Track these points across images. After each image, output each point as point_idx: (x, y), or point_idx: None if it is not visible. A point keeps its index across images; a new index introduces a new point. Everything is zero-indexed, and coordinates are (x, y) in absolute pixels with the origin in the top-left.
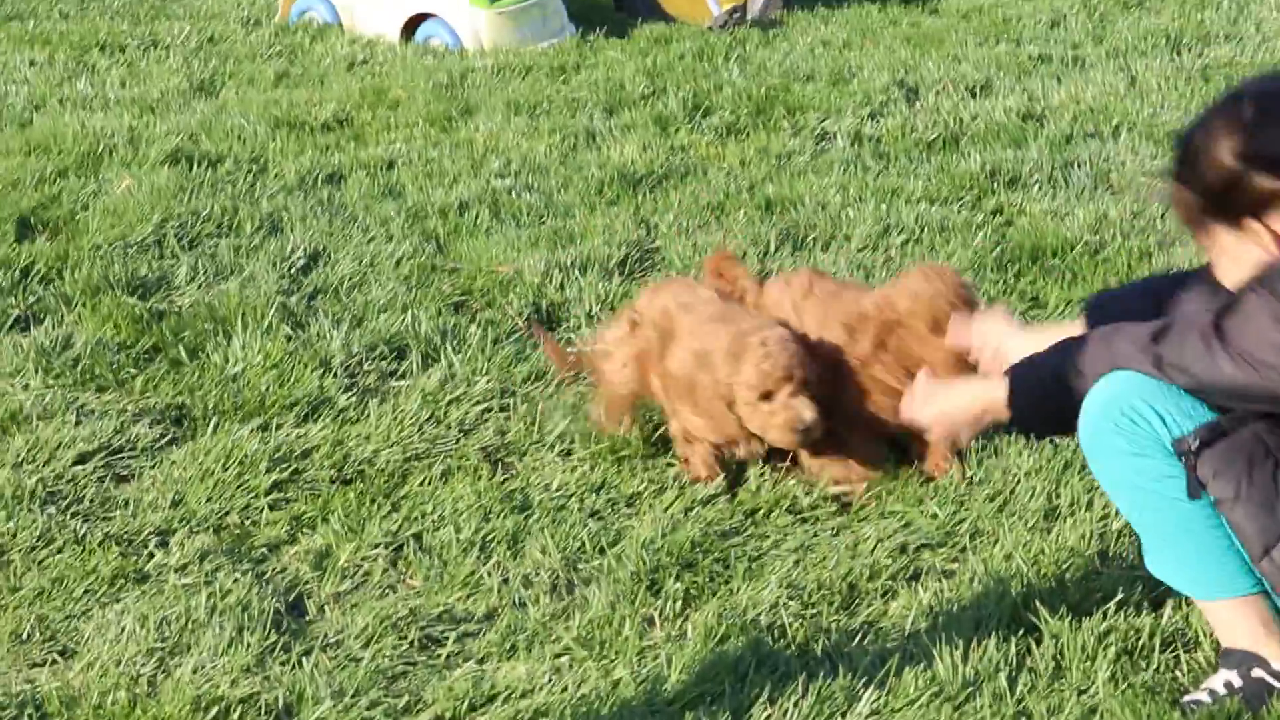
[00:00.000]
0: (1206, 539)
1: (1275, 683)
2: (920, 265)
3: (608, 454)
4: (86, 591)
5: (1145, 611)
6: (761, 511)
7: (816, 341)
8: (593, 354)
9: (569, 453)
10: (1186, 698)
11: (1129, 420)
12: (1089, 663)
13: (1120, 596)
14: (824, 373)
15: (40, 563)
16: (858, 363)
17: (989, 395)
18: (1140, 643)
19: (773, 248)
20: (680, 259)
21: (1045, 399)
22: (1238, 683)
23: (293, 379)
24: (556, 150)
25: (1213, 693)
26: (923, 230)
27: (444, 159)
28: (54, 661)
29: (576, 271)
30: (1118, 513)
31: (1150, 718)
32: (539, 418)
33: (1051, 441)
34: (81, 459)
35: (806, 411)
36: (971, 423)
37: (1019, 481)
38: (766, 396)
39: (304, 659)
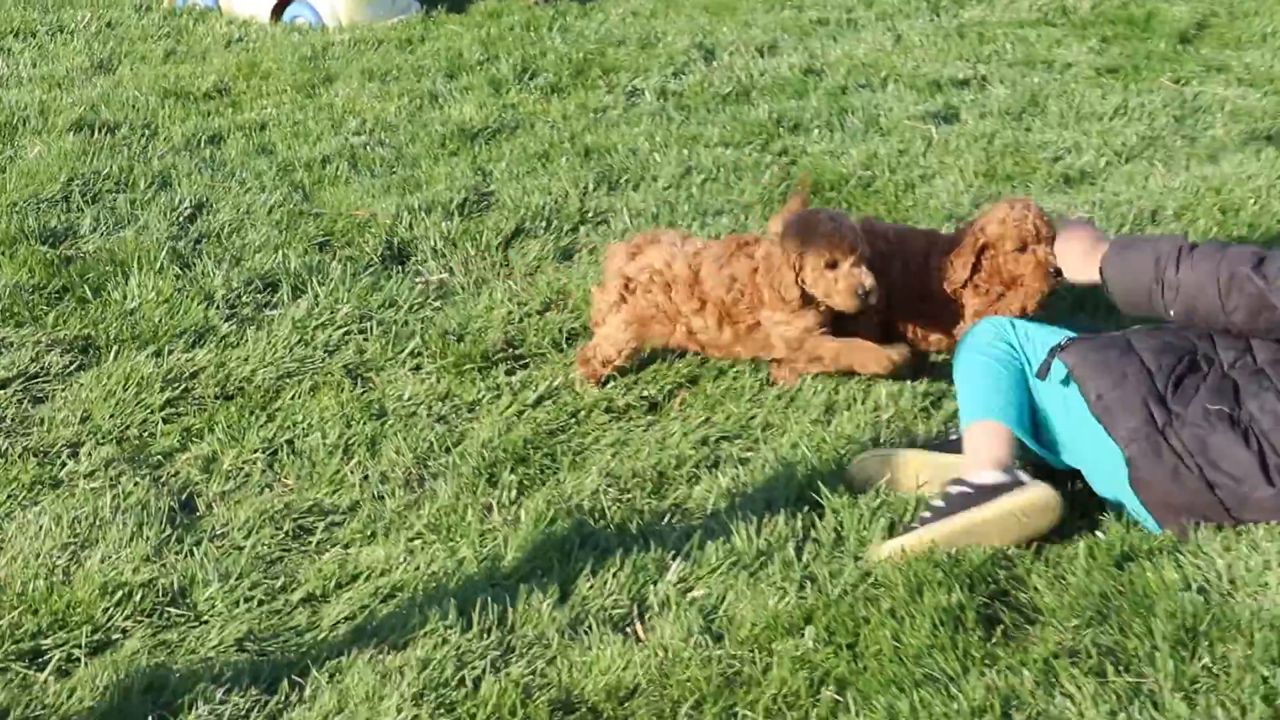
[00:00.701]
0: (1010, 378)
1: (968, 488)
2: (1005, 197)
3: (452, 368)
4: (9, 496)
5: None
6: (584, 412)
7: (908, 231)
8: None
9: (419, 367)
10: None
11: (1001, 326)
12: (864, 532)
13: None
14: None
15: None
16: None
17: (1097, 249)
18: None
19: (591, 188)
20: (511, 200)
21: (1138, 270)
22: (941, 502)
23: (181, 311)
24: (405, 110)
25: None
26: (719, 170)
27: (309, 120)
28: None
29: (423, 213)
30: (888, 405)
31: (915, 575)
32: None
33: None
34: (2, 384)
35: (867, 278)
36: (1075, 260)
37: (804, 382)
38: (832, 265)
39: (195, 549)
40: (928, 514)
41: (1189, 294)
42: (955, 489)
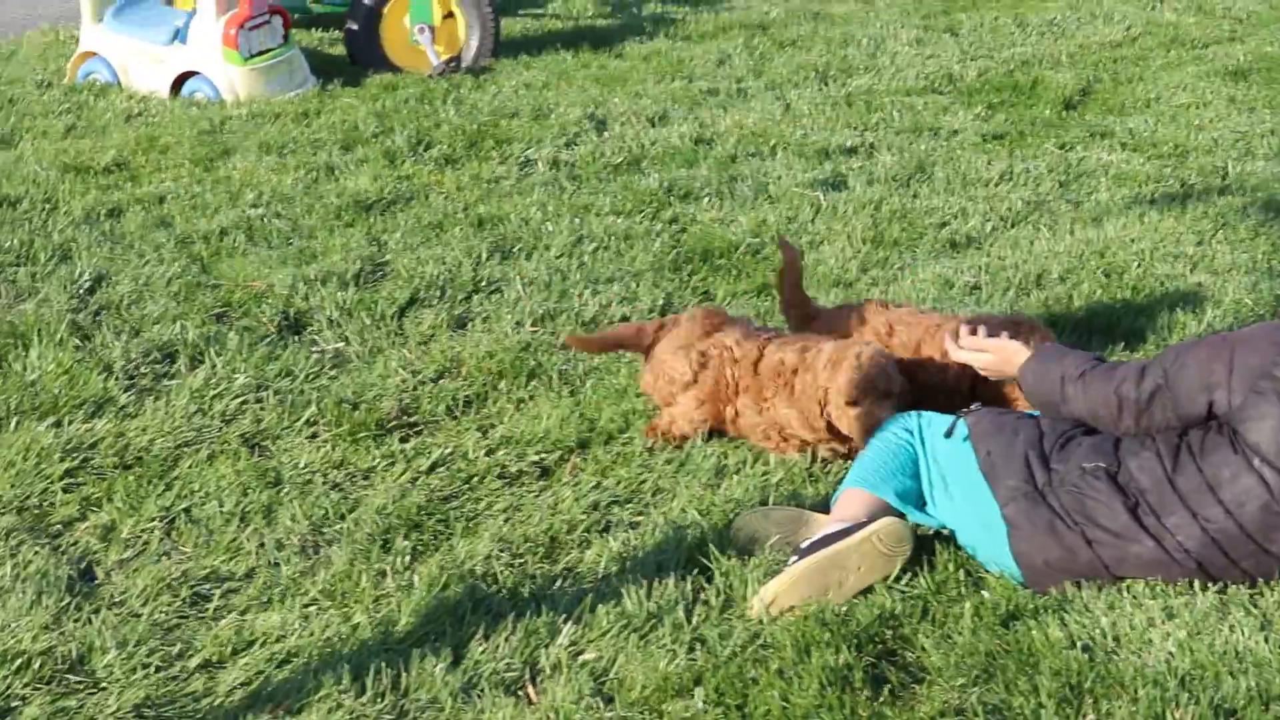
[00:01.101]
0: (898, 460)
1: (827, 531)
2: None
3: (347, 436)
4: None
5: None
6: (477, 478)
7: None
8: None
9: (315, 435)
10: None
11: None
12: (748, 591)
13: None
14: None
15: None
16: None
17: (1020, 353)
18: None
19: (484, 257)
20: (406, 270)
21: (1047, 383)
22: (804, 545)
23: (81, 382)
24: (301, 182)
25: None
26: (610, 239)
27: (206, 193)
28: None
29: (319, 284)
30: (777, 469)
31: (803, 636)
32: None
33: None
34: None
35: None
36: (998, 362)
37: (694, 447)
38: (854, 403)
39: (93, 616)
40: (794, 557)
41: (1087, 410)
42: (818, 536)
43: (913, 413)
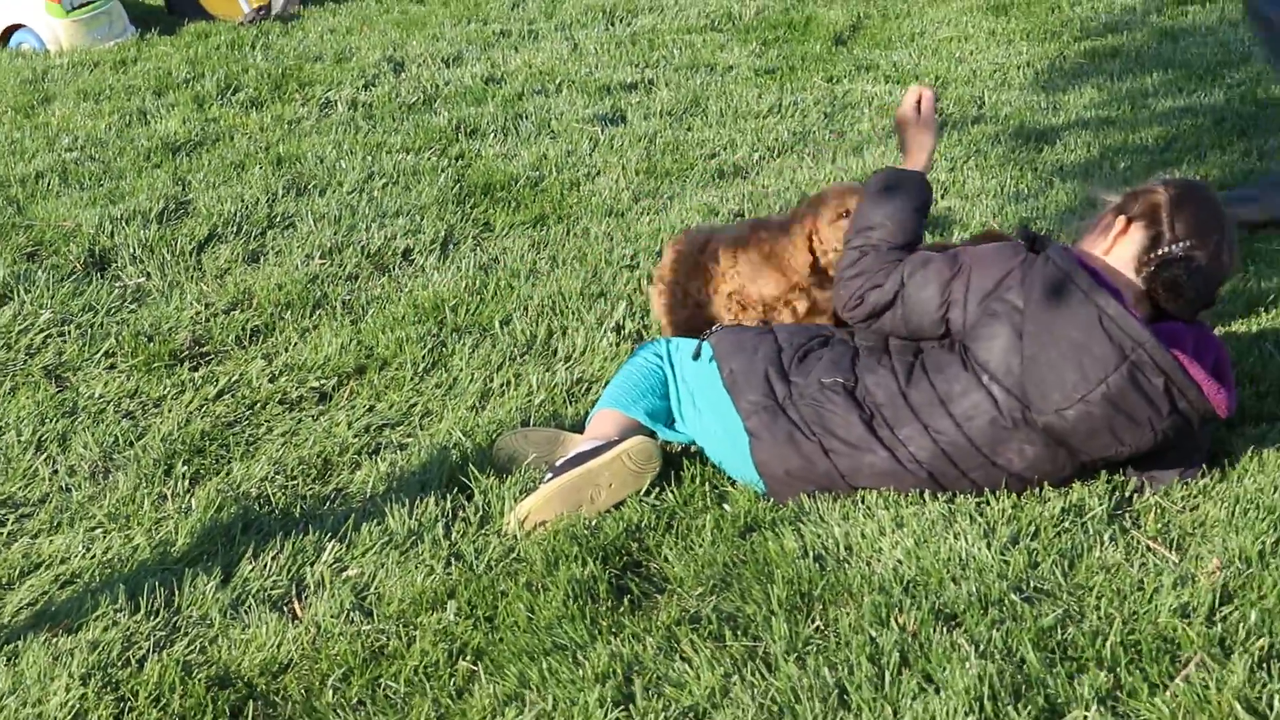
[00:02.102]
0: (648, 381)
1: (579, 451)
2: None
3: (142, 366)
4: None
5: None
6: (260, 404)
7: None
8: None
9: (114, 367)
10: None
11: (657, 343)
12: (505, 508)
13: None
14: None
15: None
16: None
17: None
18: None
19: (280, 194)
20: (206, 208)
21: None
22: (559, 463)
23: None
24: (114, 127)
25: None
26: (399, 175)
27: (25, 139)
28: None
29: (124, 222)
30: (539, 390)
31: (553, 550)
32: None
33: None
34: None
35: None
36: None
37: (461, 371)
38: (843, 214)
39: None
40: (549, 475)
41: (847, 263)
42: (570, 454)
43: (661, 339)
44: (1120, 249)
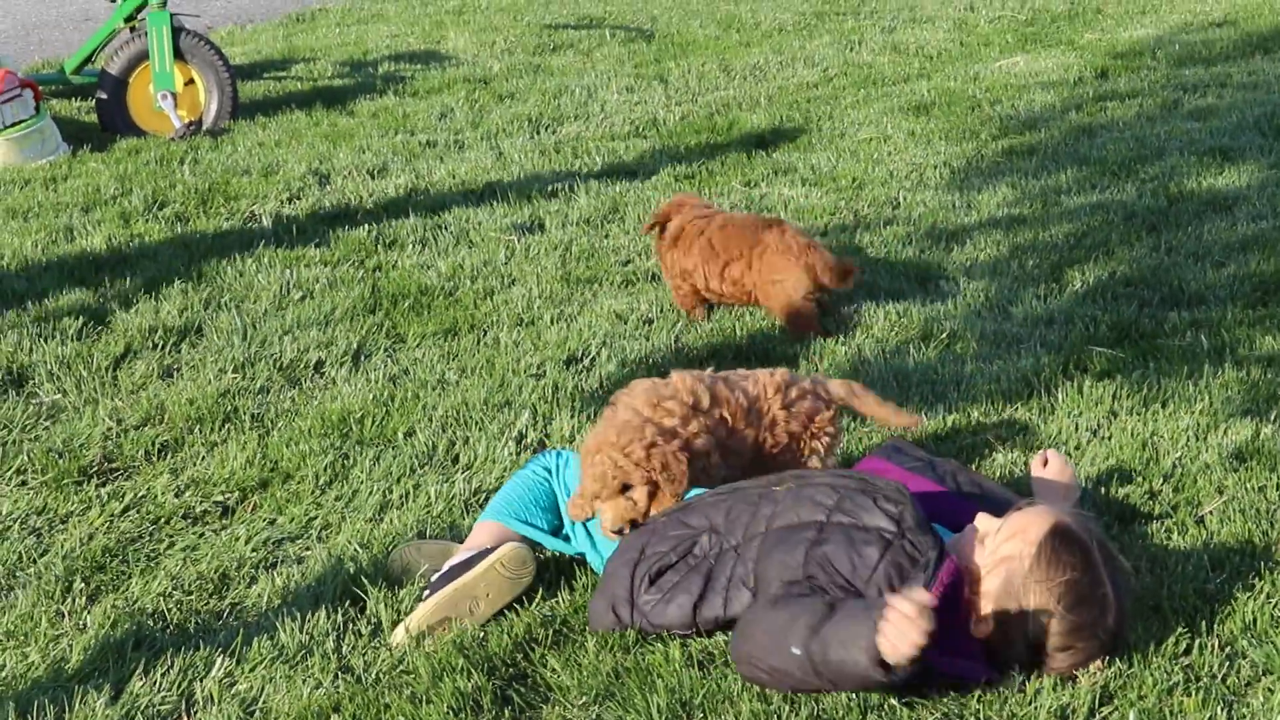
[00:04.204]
0: (532, 493)
1: (454, 563)
2: None
3: (52, 482)
4: None
5: None
6: (164, 519)
7: None
8: None
9: (24, 483)
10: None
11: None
12: (397, 619)
13: (427, 566)
14: None
15: None
16: None
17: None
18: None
19: (198, 308)
20: (123, 324)
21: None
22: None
23: None
24: (41, 244)
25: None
26: (316, 286)
27: None
28: None
29: (42, 340)
30: (437, 502)
31: (440, 663)
32: None
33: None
34: None
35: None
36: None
37: (362, 483)
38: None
39: None
40: (427, 592)
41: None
42: (446, 567)
43: (552, 451)
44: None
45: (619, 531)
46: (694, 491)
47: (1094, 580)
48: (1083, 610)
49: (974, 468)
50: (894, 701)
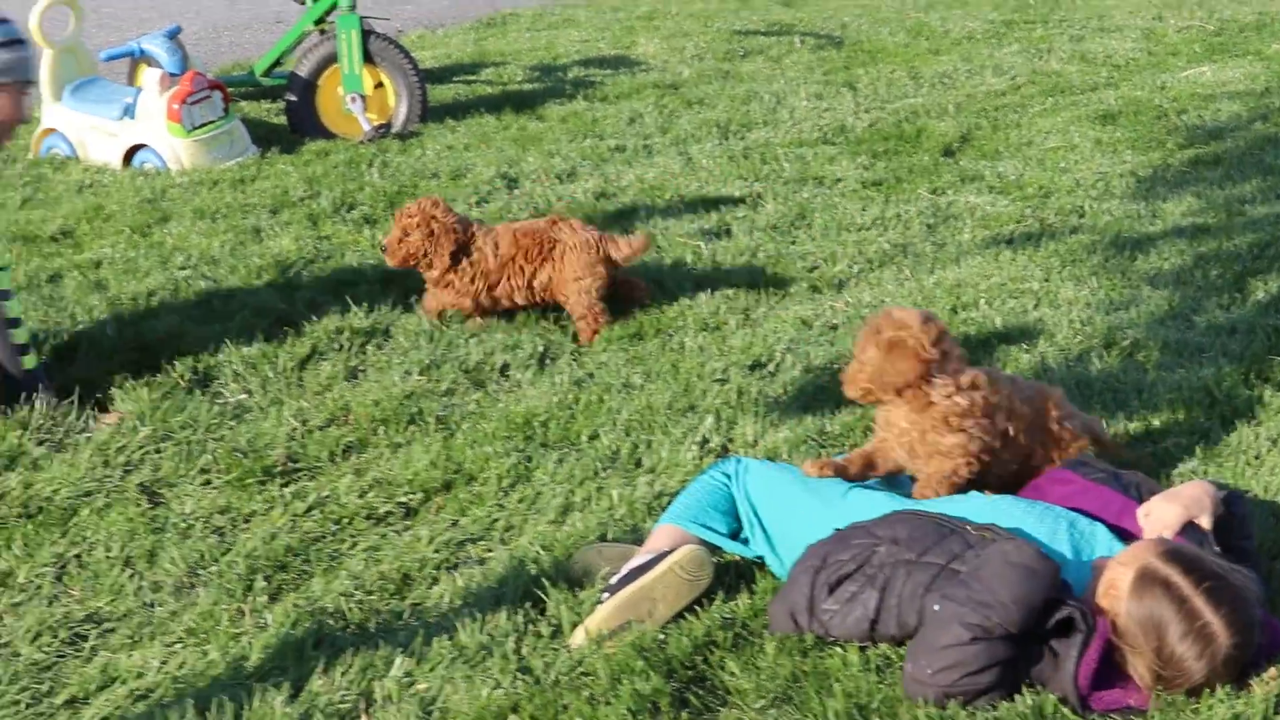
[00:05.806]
0: (711, 499)
1: (631, 566)
2: None
3: (236, 481)
4: None
5: None
6: (346, 519)
7: None
8: None
9: (209, 483)
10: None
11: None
12: (578, 621)
13: (607, 570)
14: None
15: None
16: None
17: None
18: None
19: (388, 311)
20: (309, 325)
21: None
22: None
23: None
24: (228, 245)
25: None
26: None
27: (140, 258)
28: None
29: (228, 338)
30: (620, 505)
31: (619, 665)
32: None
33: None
34: None
35: None
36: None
37: (545, 485)
38: None
39: None
40: (605, 594)
41: None
42: (624, 570)
43: (732, 458)
44: None
45: None
46: (902, 504)
47: (1188, 614)
48: (1186, 645)
49: (1159, 480)
50: (1066, 711)
